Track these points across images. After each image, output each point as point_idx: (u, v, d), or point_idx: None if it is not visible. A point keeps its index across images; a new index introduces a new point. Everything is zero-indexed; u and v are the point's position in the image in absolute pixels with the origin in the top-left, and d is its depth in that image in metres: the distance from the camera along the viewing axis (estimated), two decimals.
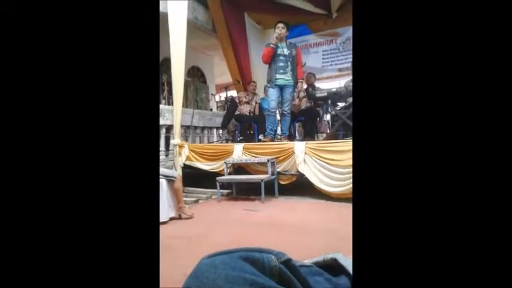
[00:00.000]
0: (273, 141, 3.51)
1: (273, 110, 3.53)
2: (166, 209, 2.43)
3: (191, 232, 2.14)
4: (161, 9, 4.06)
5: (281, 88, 3.44)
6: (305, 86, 4.48)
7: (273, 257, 0.31)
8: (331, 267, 0.42)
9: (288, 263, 0.33)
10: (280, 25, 3.39)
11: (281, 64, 3.38)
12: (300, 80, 3.51)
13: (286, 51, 3.41)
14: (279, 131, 3.87)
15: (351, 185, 2.68)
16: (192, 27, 4.72)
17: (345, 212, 2.39)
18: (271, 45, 3.38)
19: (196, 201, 3.19)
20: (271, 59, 3.40)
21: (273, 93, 3.47)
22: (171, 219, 2.47)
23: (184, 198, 2.81)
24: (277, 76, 3.39)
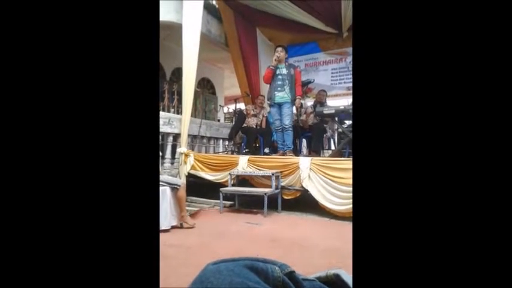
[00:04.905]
0: (284, 155, 3.63)
1: (279, 129, 3.77)
2: (168, 217, 2.42)
3: (192, 242, 2.13)
4: (176, 20, 4.18)
5: (279, 105, 3.71)
6: (310, 103, 4.76)
7: (277, 268, 0.32)
8: (334, 283, 0.41)
9: (291, 275, 0.33)
10: (279, 49, 3.70)
11: (279, 83, 3.68)
12: (298, 97, 3.76)
13: (284, 71, 3.70)
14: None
15: None
16: (205, 39, 4.83)
17: (348, 231, 2.36)
18: (271, 67, 3.70)
19: (198, 211, 3.18)
20: (271, 79, 3.72)
21: (274, 112, 3.79)
22: (173, 227, 2.46)
23: (187, 208, 2.80)
24: (276, 94, 3.69)
